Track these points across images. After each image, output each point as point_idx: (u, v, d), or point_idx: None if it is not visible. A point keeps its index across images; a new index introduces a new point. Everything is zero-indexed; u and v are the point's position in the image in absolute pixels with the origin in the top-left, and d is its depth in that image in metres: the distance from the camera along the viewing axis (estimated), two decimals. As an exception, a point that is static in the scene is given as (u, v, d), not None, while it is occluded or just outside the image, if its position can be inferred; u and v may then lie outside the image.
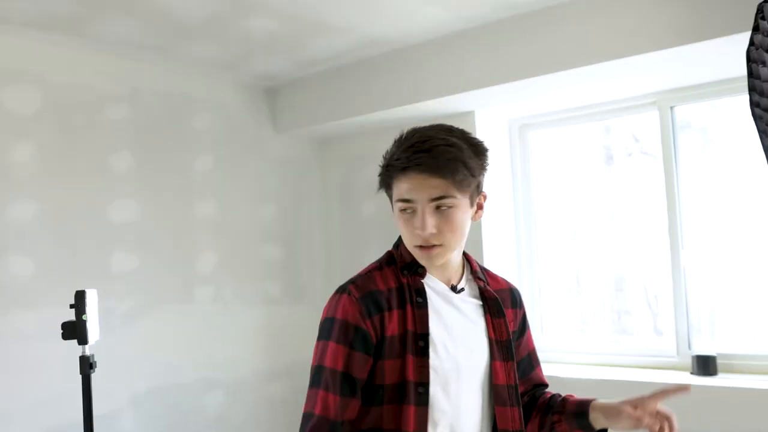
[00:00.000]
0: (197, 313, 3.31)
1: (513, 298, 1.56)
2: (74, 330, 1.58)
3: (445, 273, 1.45)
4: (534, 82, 2.89)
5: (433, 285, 1.44)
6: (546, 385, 1.64)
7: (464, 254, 1.52)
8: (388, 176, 1.39)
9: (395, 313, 1.38)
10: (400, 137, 1.40)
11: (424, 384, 1.35)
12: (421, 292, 1.41)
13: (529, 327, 1.62)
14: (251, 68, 3.41)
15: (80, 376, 1.62)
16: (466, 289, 1.48)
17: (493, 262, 3.30)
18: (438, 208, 1.34)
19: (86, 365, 1.61)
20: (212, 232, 3.41)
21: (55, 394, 2.69)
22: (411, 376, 1.35)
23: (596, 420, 1.46)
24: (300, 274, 3.72)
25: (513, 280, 3.31)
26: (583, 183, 3.41)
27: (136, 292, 3.06)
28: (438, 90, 3.13)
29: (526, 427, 1.52)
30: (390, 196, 1.42)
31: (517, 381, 1.46)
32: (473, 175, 1.35)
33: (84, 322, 1.58)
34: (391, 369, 1.36)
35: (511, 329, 1.49)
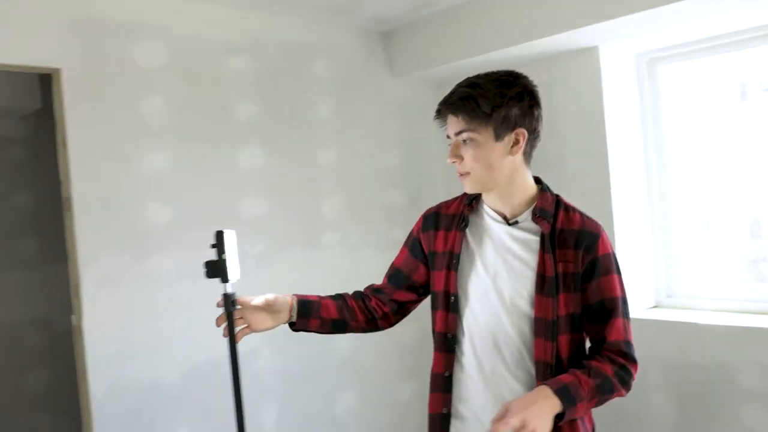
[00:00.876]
0: (325, 257, 3.40)
1: (579, 239, 1.57)
2: (216, 268, 1.64)
3: (500, 205, 1.63)
4: (664, 11, 2.66)
5: (486, 215, 1.66)
6: (619, 346, 1.57)
7: (542, 192, 1.63)
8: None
9: (442, 233, 1.71)
10: None
11: (454, 294, 1.64)
12: (466, 219, 1.67)
13: (609, 274, 1.58)
14: (366, 12, 3.38)
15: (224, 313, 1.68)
16: (524, 223, 1.61)
17: (621, 205, 3.17)
18: (464, 142, 1.56)
19: (229, 302, 1.67)
20: (335, 178, 3.47)
21: (198, 333, 2.85)
22: (444, 286, 1.66)
23: None
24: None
25: (642, 222, 3.25)
26: (717, 121, 3.17)
27: (266, 236, 3.18)
28: (558, 25, 2.96)
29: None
30: None
31: (561, 317, 1.54)
32: (487, 112, 1.52)
33: (224, 261, 1.64)
34: (436, 279, 1.69)
35: (571, 270, 1.56)
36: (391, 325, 1.87)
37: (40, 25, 2.62)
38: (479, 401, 1.61)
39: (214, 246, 1.67)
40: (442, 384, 1.66)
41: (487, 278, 1.61)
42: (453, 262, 1.64)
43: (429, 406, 1.70)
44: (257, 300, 1.68)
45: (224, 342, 2.91)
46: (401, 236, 1.91)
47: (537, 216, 1.59)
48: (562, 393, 1.46)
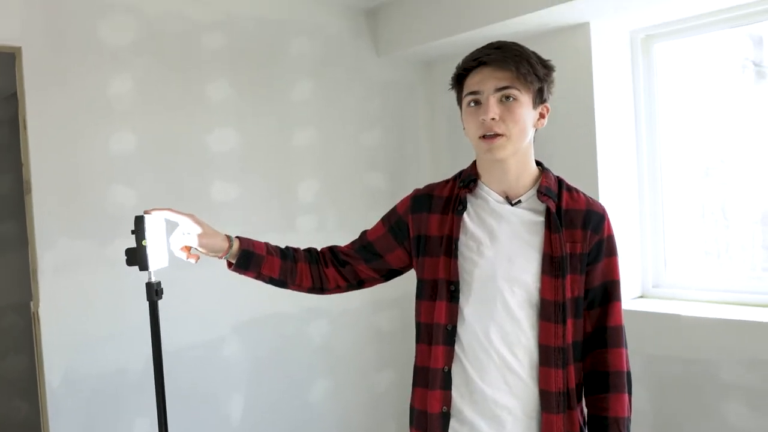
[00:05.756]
0: (300, 242, 3.27)
1: (586, 219, 1.55)
2: (135, 256, 1.54)
3: (502, 183, 1.56)
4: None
5: (485, 195, 1.58)
6: (610, 334, 1.57)
7: (543, 171, 1.59)
8: (462, 71, 1.54)
9: (436, 217, 1.60)
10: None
11: (454, 282, 1.53)
12: (463, 202, 1.57)
13: (613, 256, 1.57)
14: (349, -12, 3.26)
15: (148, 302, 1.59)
16: (527, 203, 1.55)
17: (608, 190, 3.02)
18: (502, 99, 1.47)
19: (152, 291, 1.58)
20: (313, 160, 3.36)
21: (162, 320, 2.77)
22: (442, 274, 1.54)
23: None
24: (405, 203, 3.59)
25: (631, 209, 3.10)
26: (715, 102, 2.99)
27: (237, 221, 3.08)
28: (547, -1, 2.82)
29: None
30: (459, 98, 1.58)
31: (567, 299, 1.49)
32: (537, 76, 1.49)
33: (144, 248, 1.54)
34: (429, 266, 1.58)
35: (578, 251, 1.52)
36: (337, 293, 1.79)
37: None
38: (482, 397, 1.51)
39: (133, 232, 1.58)
40: (441, 380, 1.54)
41: (490, 263, 1.52)
42: (453, 249, 1.54)
43: (419, 403, 1.58)
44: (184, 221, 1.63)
45: (190, 328, 2.86)
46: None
47: (543, 194, 1.54)
48: None
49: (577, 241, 1.52)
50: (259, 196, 3.17)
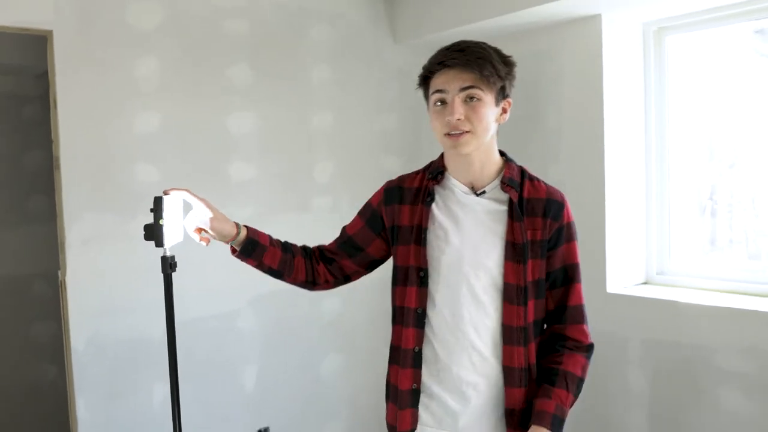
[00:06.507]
0: (315, 223, 3.41)
1: (546, 207, 1.64)
2: (152, 232, 1.69)
3: (468, 175, 1.66)
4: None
5: (452, 186, 1.68)
6: (569, 312, 1.66)
7: (507, 162, 1.70)
8: (428, 72, 1.63)
9: (407, 207, 1.71)
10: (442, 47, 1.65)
11: (424, 269, 1.65)
12: (431, 193, 1.69)
13: (572, 241, 1.68)
14: (367, -24, 3.34)
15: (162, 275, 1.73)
16: (491, 193, 1.66)
17: (614, 178, 3.09)
18: (467, 99, 1.57)
19: (167, 265, 1.72)
20: (330, 143, 3.48)
21: (181, 292, 2.89)
22: (413, 261, 1.67)
23: None
24: (419, 187, 3.69)
25: (638, 197, 3.16)
26: (727, 95, 3.04)
27: (254, 200, 3.22)
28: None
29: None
30: (426, 95, 1.68)
31: (529, 282, 1.61)
32: (499, 76, 1.59)
33: (161, 227, 1.68)
34: (402, 254, 1.70)
35: (539, 237, 1.62)
36: (327, 289, 1.92)
37: (33, -13, 2.67)
38: (449, 374, 1.64)
39: (152, 210, 1.71)
40: (412, 359, 1.68)
41: (456, 250, 1.64)
42: (421, 237, 1.66)
43: (394, 378, 1.72)
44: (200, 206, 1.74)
45: (207, 301, 2.99)
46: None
47: (506, 185, 1.64)
48: (555, 426, 1.56)
49: (537, 229, 1.62)
50: (276, 177, 3.30)
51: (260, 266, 1.81)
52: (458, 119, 1.57)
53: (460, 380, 1.64)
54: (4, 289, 3.98)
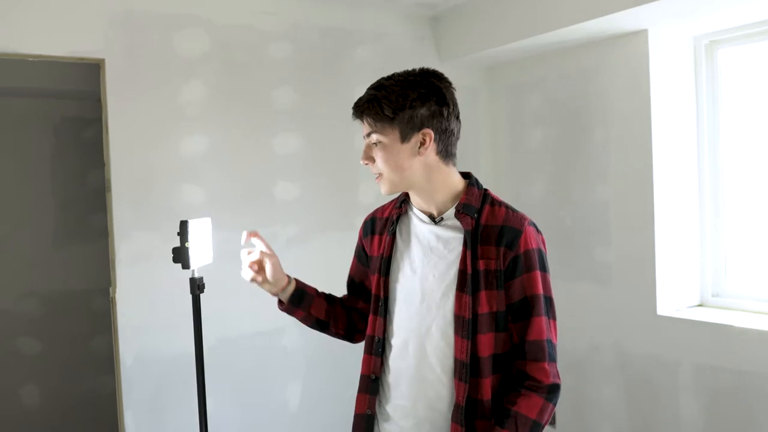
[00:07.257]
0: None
1: (500, 235, 1.54)
2: (179, 255, 1.75)
3: (425, 204, 1.63)
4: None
5: (412, 215, 1.67)
6: (529, 348, 1.53)
7: (469, 187, 1.62)
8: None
9: (377, 237, 1.73)
10: None
11: (382, 298, 1.65)
12: (395, 223, 1.68)
13: (531, 271, 1.53)
14: (411, -3, 3.37)
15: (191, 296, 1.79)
16: (449, 220, 1.61)
17: (665, 198, 3.00)
18: (374, 144, 1.57)
19: (194, 286, 1.78)
20: (374, 163, 3.49)
21: (224, 310, 3.00)
22: (376, 290, 1.67)
23: None
24: (465, 205, 3.66)
25: (691, 216, 3.05)
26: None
27: (298, 219, 3.27)
28: (605, 6, 2.80)
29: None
30: None
31: (479, 315, 1.52)
32: (393, 115, 1.52)
33: (186, 249, 1.73)
34: (374, 283, 1.69)
35: (493, 267, 1.53)
36: (359, 341, 1.86)
37: (86, 18, 2.81)
38: (404, 403, 1.61)
39: (179, 234, 1.77)
40: (367, 386, 1.67)
41: (413, 280, 1.61)
42: (382, 267, 1.66)
43: (355, 406, 1.71)
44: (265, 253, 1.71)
45: (247, 320, 3.05)
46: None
47: (460, 212, 1.57)
48: None
49: (491, 258, 1.53)
50: (320, 196, 3.34)
51: (307, 317, 1.78)
52: (365, 164, 1.59)
53: (406, 410, 1.60)
54: (68, 304, 4.17)
